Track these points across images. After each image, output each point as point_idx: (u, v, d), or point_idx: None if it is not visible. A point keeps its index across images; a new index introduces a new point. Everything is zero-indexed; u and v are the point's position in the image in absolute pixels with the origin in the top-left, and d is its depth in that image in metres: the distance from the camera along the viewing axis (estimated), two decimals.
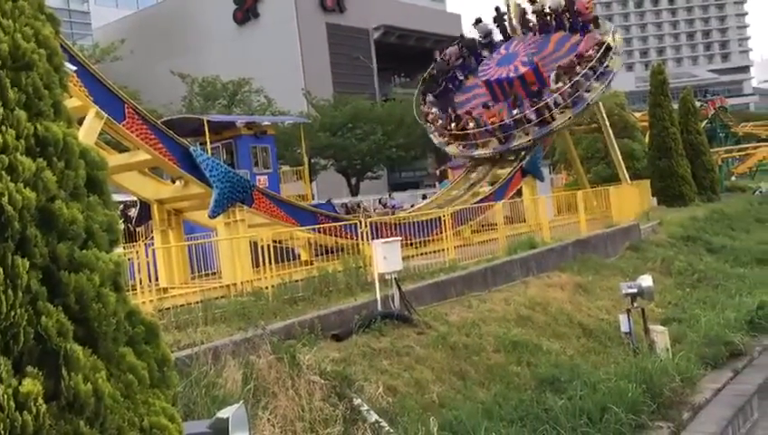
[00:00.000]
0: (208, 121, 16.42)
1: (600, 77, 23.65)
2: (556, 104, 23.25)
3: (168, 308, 10.77)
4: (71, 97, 10.26)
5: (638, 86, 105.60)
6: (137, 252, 11.64)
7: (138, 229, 18.51)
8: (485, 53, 27.86)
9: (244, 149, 17.58)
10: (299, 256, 16.48)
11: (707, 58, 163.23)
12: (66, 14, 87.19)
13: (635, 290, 12.31)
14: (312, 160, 37.79)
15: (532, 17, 27.37)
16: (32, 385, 2.39)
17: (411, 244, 15.34)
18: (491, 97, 25.64)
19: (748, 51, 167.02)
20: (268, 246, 12.61)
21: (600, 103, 27.12)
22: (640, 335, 12.24)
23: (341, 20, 55.20)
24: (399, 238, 12.85)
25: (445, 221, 15.92)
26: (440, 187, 27.91)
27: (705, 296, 16.66)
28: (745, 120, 69.27)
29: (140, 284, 10.82)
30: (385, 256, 11.26)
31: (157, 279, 12.57)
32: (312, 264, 14.77)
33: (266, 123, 18.81)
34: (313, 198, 23.54)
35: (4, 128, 2.67)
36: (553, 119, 23.34)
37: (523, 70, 24.74)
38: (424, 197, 29.02)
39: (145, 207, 16.34)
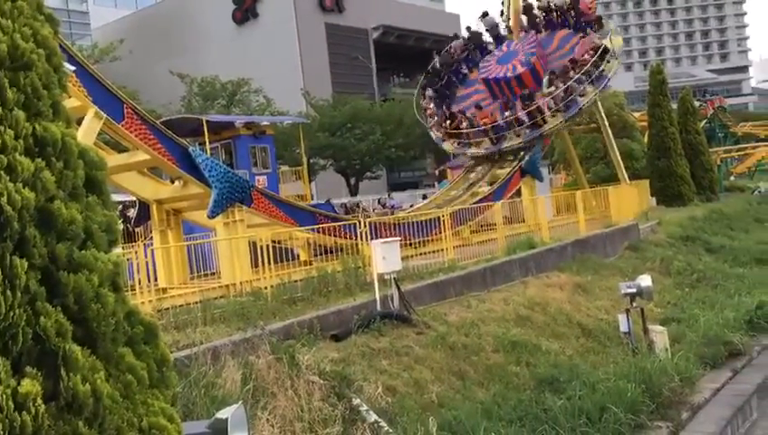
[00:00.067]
0: (207, 121, 16.42)
1: (594, 81, 23.67)
2: (548, 107, 23.36)
3: (167, 308, 10.76)
4: (69, 97, 10.25)
5: (637, 86, 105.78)
6: (136, 252, 11.63)
7: (137, 229, 18.49)
8: (491, 47, 27.96)
9: (243, 149, 17.58)
10: (298, 256, 16.48)
11: (706, 58, 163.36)
12: (65, 14, 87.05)
13: (634, 290, 12.32)
14: (311, 160, 37.83)
15: (537, 13, 27.33)
16: (31, 385, 2.39)
17: (410, 244, 15.35)
18: (489, 94, 25.76)
19: (747, 51, 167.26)
20: (267, 246, 12.60)
21: (599, 103, 27.13)
22: (639, 335, 12.24)
23: (340, 20, 55.22)
24: (398, 238, 12.86)
25: (444, 221, 15.92)
26: (439, 187, 27.94)
27: (704, 296, 16.66)
28: (744, 119, 69.30)
29: (139, 284, 10.81)
30: (384, 257, 11.26)
31: (156, 279, 12.57)
32: (311, 264, 14.77)
33: (265, 123, 18.81)
34: (312, 199, 23.55)
35: (2, 128, 2.67)
36: (545, 122, 23.47)
37: (520, 70, 24.77)
38: (424, 196, 29.06)
39: (144, 208, 16.32)
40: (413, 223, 16.42)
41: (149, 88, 43.21)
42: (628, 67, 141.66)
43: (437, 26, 57.43)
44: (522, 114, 23.46)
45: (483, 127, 24.10)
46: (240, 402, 3.71)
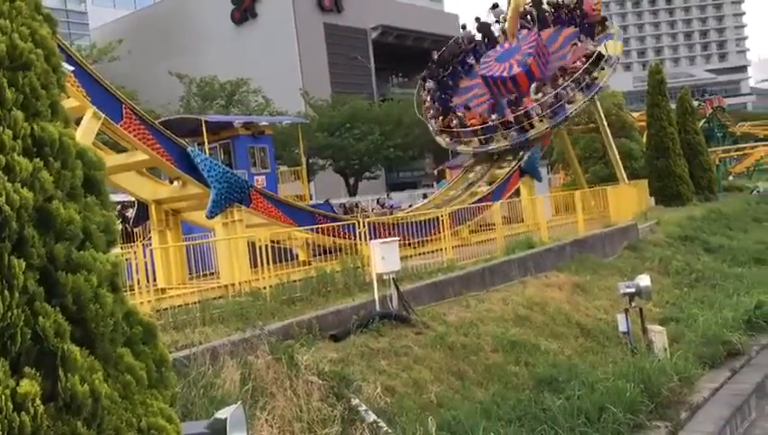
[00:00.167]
0: (206, 122, 16.41)
1: (584, 89, 23.71)
2: (536, 113, 23.54)
3: (166, 308, 10.76)
4: (68, 97, 10.24)
5: (636, 86, 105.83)
6: (134, 252, 11.62)
7: (135, 230, 18.48)
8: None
9: (241, 149, 17.58)
10: (297, 256, 16.48)
11: (705, 58, 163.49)
12: (63, 14, 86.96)
13: (633, 290, 12.32)
14: (310, 160, 37.81)
15: (547, 8, 27.36)
16: (29, 386, 2.39)
17: (409, 244, 15.35)
18: (487, 90, 25.88)
19: (745, 51, 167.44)
20: (266, 246, 12.60)
21: (598, 103, 27.16)
22: (638, 335, 12.25)
23: (339, 20, 55.21)
24: (397, 238, 12.85)
25: (443, 221, 15.92)
26: (438, 187, 27.97)
27: (703, 296, 16.66)
28: (743, 119, 69.31)
29: (138, 284, 10.81)
30: (383, 257, 11.25)
31: (154, 280, 12.57)
32: (310, 264, 14.78)
33: (264, 123, 18.80)
34: (311, 199, 23.53)
35: (1, 128, 2.66)
36: (532, 126, 23.66)
37: (515, 71, 24.84)
38: (425, 196, 29.10)
39: (143, 208, 16.31)
40: (412, 223, 16.42)
41: (148, 88, 43.16)
42: (627, 67, 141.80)
43: (436, 26, 57.48)
44: (510, 117, 23.75)
45: (471, 128, 24.48)
46: (239, 403, 3.71)
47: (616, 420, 8.81)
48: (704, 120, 49.33)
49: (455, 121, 25.29)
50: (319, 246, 15.85)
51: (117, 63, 42.67)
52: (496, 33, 28.22)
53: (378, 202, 29.22)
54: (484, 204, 19.34)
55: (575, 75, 23.46)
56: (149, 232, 16.36)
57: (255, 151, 17.97)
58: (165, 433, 2.78)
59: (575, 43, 25.12)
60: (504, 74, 25.00)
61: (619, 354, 11.88)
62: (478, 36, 28.69)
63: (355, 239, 14.14)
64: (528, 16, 27.70)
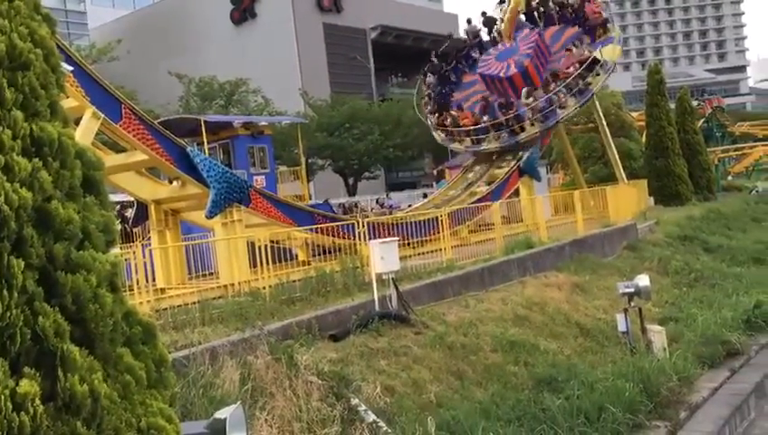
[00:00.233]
0: (205, 122, 16.42)
1: (577, 94, 23.73)
2: (527, 117, 23.65)
3: (166, 309, 10.76)
4: (67, 97, 10.23)
5: (635, 86, 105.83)
6: (134, 252, 11.62)
7: (135, 230, 18.48)
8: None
9: (241, 149, 17.58)
10: (296, 256, 16.48)
11: (704, 58, 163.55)
12: (62, 14, 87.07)
13: (632, 289, 12.32)
14: (310, 160, 37.81)
15: (552, 6, 27.35)
16: (29, 386, 2.39)
17: (408, 244, 15.35)
18: (486, 88, 25.98)
19: (745, 50, 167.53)
20: (265, 246, 12.60)
21: (597, 103, 27.16)
22: (637, 335, 12.25)
23: (338, 20, 55.22)
24: (397, 238, 12.85)
25: (442, 221, 15.93)
26: (437, 187, 28.00)
27: (702, 296, 16.66)
28: (742, 119, 69.39)
29: (137, 284, 10.81)
30: (382, 257, 11.25)
31: (154, 280, 12.57)
32: (309, 264, 14.77)
33: (263, 123, 18.82)
34: (311, 199, 23.53)
35: (0, 128, 2.66)
36: (522, 130, 23.78)
37: (512, 72, 24.85)
38: (424, 196, 29.11)
39: (142, 208, 16.32)
40: (411, 223, 16.42)
41: (147, 88, 43.15)
42: (626, 67, 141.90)
43: (436, 26, 57.38)
44: (501, 119, 23.89)
45: (464, 128, 24.69)
46: (238, 403, 3.71)
47: (615, 419, 8.80)
48: (703, 120, 49.40)
49: (449, 120, 25.48)
50: (318, 246, 15.84)
51: (116, 63, 42.66)
52: (494, 34, 28.18)
53: (377, 202, 29.22)
54: (483, 204, 19.35)
55: (567, 81, 23.52)
56: (149, 232, 16.36)
57: (255, 151, 17.98)
58: (164, 433, 2.78)
59: (569, 49, 25.15)
60: (501, 74, 25.05)
61: (618, 354, 11.88)
62: (484, 31, 28.70)
63: (354, 239, 14.14)
64: (535, 13, 27.67)
